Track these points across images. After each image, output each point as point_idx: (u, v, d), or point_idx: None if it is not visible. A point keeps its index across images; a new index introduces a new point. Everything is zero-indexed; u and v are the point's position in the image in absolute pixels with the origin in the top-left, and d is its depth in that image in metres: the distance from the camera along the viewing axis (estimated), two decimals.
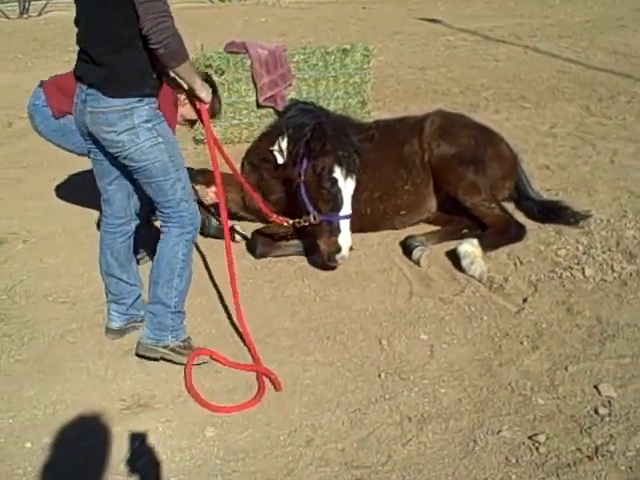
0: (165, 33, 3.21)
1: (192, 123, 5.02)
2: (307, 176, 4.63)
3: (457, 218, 5.17)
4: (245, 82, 7.05)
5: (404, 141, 5.28)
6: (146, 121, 3.44)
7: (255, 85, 7.04)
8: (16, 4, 16.03)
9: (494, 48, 12.20)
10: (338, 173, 4.51)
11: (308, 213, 4.62)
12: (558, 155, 6.82)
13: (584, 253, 4.86)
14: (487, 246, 4.80)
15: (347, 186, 4.54)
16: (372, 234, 5.23)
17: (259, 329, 4.13)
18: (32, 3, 16.38)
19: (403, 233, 5.19)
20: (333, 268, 4.76)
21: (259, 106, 7.08)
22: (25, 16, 15.74)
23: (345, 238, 4.50)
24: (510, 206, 5.45)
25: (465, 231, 5.06)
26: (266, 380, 3.67)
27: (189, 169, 5.12)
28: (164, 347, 3.78)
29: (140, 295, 4.08)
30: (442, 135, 5.18)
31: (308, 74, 7.16)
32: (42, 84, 4.85)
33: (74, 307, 4.43)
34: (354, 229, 4.93)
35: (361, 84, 7.37)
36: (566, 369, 3.70)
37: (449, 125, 5.30)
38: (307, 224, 4.65)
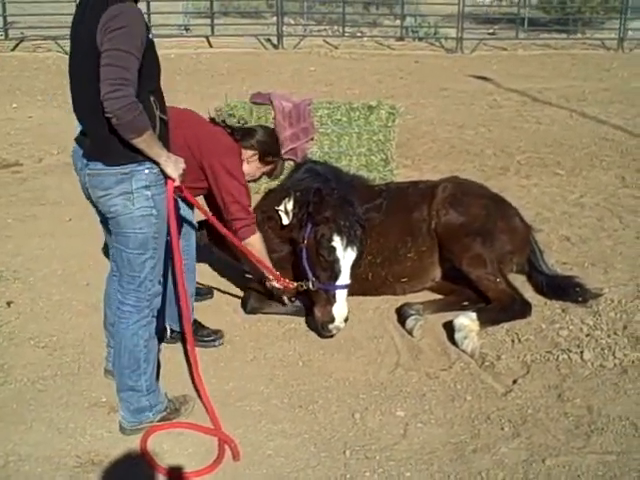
0: (119, 103, 3.06)
1: (255, 180, 4.94)
2: (309, 241, 4.54)
3: (460, 288, 4.99)
4: None
5: (413, 207, 5.13)
6: (145, 187, 3.34)
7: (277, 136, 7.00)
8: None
9: (539, 110, 12.01)
10: (337, 242, 4.41)
11: (307, 279, 4.53)
12: (582, 227, 6.59)
13: (587, 335, 4.62)
14: (486, 321, 4.61)
15: (346, 256, 4.43)
16: (370, 299, 5.08)
17: (232, 391, 4.01)
18: None
19: (402, 299, 5.03)
20: (329, 336, 4.62)
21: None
22: None
23: (340, 309, 4.39)
24: (520, 278, 5.26)
25: (466, 303, 4.87)
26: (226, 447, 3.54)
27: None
28: (149, 423, 3.68)
29: None
30: (452, 203, 5.02)
31: (331, 129, 7.11)
32: None
33: (53, 353, 4.38)
34: (354, 292, 4.82)
35: (385, 142, 7.27)
36: (544, 462, 3.47)
37: (461, 193, 5.14)
38: (305, 287, 4.56)
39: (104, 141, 3.26)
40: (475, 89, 13.75)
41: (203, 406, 3.76)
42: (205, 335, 4.52)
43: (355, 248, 4.46)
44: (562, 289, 5.04)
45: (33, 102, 11.68)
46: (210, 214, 4.25)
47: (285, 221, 4.80)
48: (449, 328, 4.62)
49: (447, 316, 4.78)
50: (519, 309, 4.75)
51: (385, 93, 12.60)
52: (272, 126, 6.98)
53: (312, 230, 4.53)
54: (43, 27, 17.14)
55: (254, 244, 4.45)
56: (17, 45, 17.07)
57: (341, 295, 4.41)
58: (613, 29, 20.40)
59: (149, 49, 3.27)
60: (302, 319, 4.84)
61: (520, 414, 3.85)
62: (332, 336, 4.56)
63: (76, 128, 3.50)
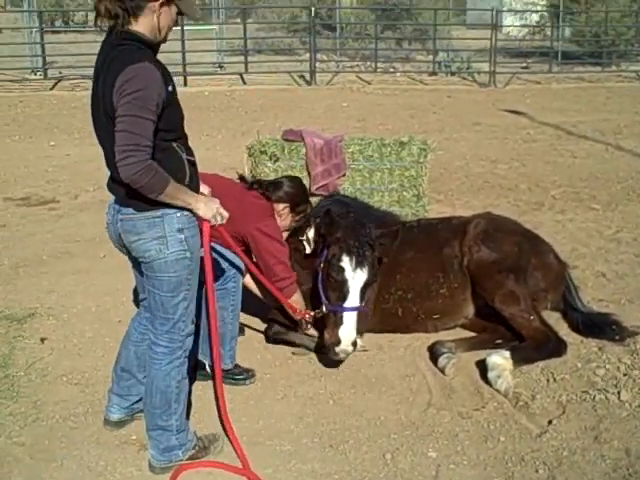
0: (131, 169, 3.08)
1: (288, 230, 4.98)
2: (324, 264, 4.55)
3: (493, 326, 4.92)
4: (299, 170, 7.06)
5: (445, 243, 5.10)
6: (179, 230, 3.35)
7: (309, 174, 7.05)
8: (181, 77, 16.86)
9: (574, 144, 11.93)
10: (346, 262, 4.39)
11: (322, 303, 4.55)
12: (619, 262, 6.48)
13: (625, 374, 4.51)
14: (520, 360, 4.52)
15: (355, 277, 4.39)
16: (401, 336, 5.03)
17: (262, 430, 3.99)
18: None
19: (434, 337, 4.98)
20: (338, 362, 4.58)
21: (311, 194, 7.05)
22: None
23: (347, 331, 4.31)
24: (555, 315, 5.18)
25: (499, 341, 4.79)
26: None
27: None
28: (178, 461, 3.67)
29: None
30: (484, 240, 4.97)
31: (363, 165, 7.12)
32: None
33: (85, 390, 4.40)
34: (386, 329, 4.79)
35: (417, 177, 7.25)
36: None
37: (493, 229, 5.10)
38: (320, 314, 4.56)
39: (132, 189, 3.25)
40: (508, 123, 13.71)
41: (231, 445, 3.73)
42: (237, 374, 4.51)
43: (365, 270, 4.42)
44: (598, 327, 4.95)
45: (70, 140, 11.91)
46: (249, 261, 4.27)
47: (308, 250, 4.84)
48: (482, 367, 4.55)
49: (480, 354, 4.70)
50: (554, 347, 4.66)
51: (418, 128, 12.63)
52: (304, 162, 7.05)
53: (326, 253, 4.54)
54: (80, 67, 17.52)
55: (297, 300, 4.55)
56: (56, 84, 17.47)
57: (349, 317, 4.35)
58: None
59: (170, 103, 3.27)
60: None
61: (555, 456, 3.77)
62: (341, 360, 4.51)
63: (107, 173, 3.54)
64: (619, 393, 4.29)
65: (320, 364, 4.73)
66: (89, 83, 14.69)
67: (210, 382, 4.45)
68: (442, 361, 4.58)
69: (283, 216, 4.69)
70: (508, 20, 26.98)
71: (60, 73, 18.21)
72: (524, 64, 21.18)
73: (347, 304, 4.36)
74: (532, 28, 25.25)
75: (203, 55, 19.43)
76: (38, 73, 18.41)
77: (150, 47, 3.29)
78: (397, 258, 4.97)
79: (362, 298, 4.43)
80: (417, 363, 4.75)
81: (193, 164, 3.45)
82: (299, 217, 4.81)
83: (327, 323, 4.46)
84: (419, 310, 4.98)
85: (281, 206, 4.65)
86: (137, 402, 3.97)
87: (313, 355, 4.83)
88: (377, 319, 4.95)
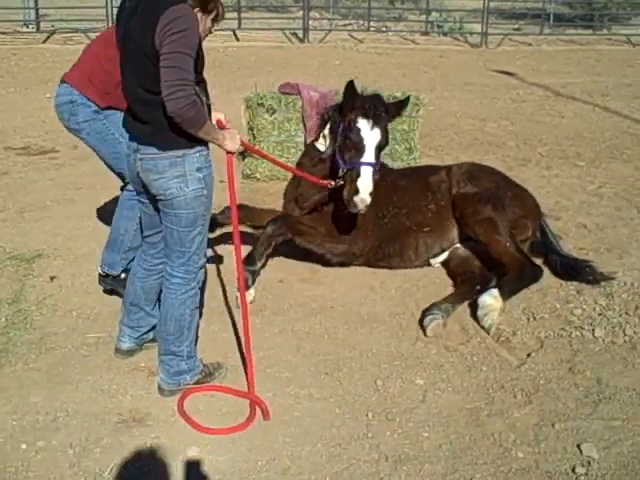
0: (181, 103, 3.29)
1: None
2: (341, 132, 4.83)
3: (468, 273, 5.22)
4: (295, 122, 7.30)
5: (433, 173, 5.66)
6: (197, 169, 3.59)
7: (304, 126, 7.27)
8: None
9: (562, 104, 12.15)
10: (363, 123, 4.67)
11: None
12: (600, 215, 6.79)
13: (599, 314, 4.84)
14: (506, 294, 4.79)
15: (371, 136, 4.68)
16: (393, 278, 5.33)
17: (262, 360, 4.28)
18: None
19: (423, 280, 5.29)
20: (356, 214, 4.84)
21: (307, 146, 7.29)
22: None
23: (364, 182, 4.60)
24: (537, 261, 5.47)
25: (478, 287, 5.07)
26: (257, 408, 3.81)
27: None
28: (185, 384, 3.96)
29: (155, 324, 4.21)
30: (468, 177, 5.49)
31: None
32: (65, 79, 4.78)
33: (95, 323, 4.67)
34: (382, 246, 5.34)
35: (409, 131, 7.49)
36: (553, 426, 3.72)
37: (476, 170, 5.64)
38: (341, 182, 4.81)
39: (158, 128, 3.50)
40: (499, 83, 13.90)
41: (243, 370, 4.05)
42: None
43: (379, 130, 4.72)
44: (574, 269, 5.27)
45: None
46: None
47: (322, 148, 5.15)
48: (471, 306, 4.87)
49: None
50: (531, 272, 4.95)
51: (409, 87, 12.73)
52: (300, 115, 7.27)
53: (343, 126, 4.82)
54: (73, 20, 17.49)
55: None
56: (48, 37, 17.43)
57: (366, 171, 4.63)
58: (639, 25, 20.41)
59: (199, 47, 3.51)
60: (330, 296, 5.10)
61: (533, 384, 4.10)
62: (359, 211, 4.69)
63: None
64: (594, 330, 4.62)
65: (315, 304, 5.02)
66: (82, 37, 14.84)
67: (214, 315, 4.75)
68: (426, 320, 4.70)
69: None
70: None
71: (52, 26, 18.17)
72: (516, 26, 21.27)
73: (364, 159, 4.65)
74: None
75: None
76: (30, 26, 18.33)
77: None
78: (394, 184, 5.44)
79: (377, 158, 4.72)
80: (407, 303, 5.05)
81: (209, 108, 3.68)
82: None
83: (345, 182, 4.73)
84: (412, 223, 5.37)
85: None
86: (146, 333, 4.25)
87: (310, 294, 5.12)
88: (376, 235, 5.31)
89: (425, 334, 4.63)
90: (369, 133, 4.67)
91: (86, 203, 6.84)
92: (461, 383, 4.12)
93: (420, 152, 7.93)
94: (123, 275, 4.85)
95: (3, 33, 17.63)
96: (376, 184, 4.75)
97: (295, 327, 4.70)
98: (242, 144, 3.95)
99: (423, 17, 20.88)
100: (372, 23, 19.96)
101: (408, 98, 5.10)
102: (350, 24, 20.64)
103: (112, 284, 4.95)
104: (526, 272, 4.90)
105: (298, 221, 5.20)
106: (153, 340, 4.26)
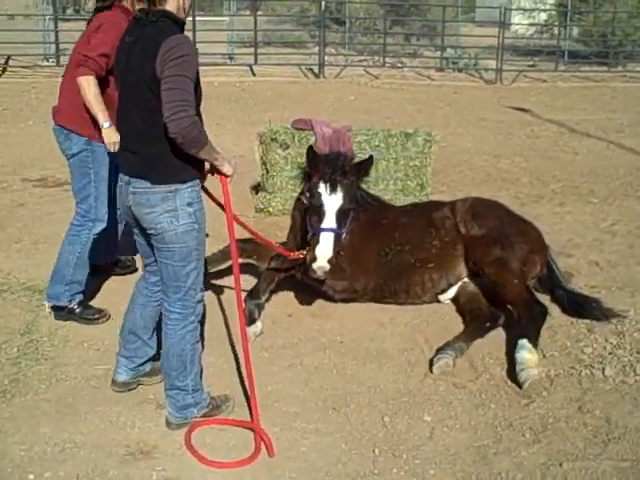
0: (184, 123, 3.38)
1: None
2: (307, 200, 4.91)
3: (477, 310, 5.22)
4: None
5: (435, 209, 5.65)
6: (189, 204, 3.66)
7: None
8: None
9: (577, 141, 12.19)
10: (322, 188, 4.72)
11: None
12: (612, 253, 6.77)
13: (610, 353, 4.82)
14: (535, 341, 4.62)
15: (331, 201, 4.71)
16: (402, 314, 5.34)
17: (270, 394, 4.29)
18: None
19: (433, 316, 5.30)
20: (319, 283, 5.04)
21: None
22: None
23: (322, 249, 4.62)
24: (544, 299, 5.45)
25: (488, 324, 5.08)
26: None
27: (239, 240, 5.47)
28: (193, 418, 3.97)
29: (152, 356, 4.27)
30: (473, 216, 5.44)
31: (370, 154, 7.39)
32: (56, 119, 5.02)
33: (105, 354, 4.69)
34: (387, 284, 5.34)
35: (421, 167, 7.55)
36: (561, 465, 3.70)
37: (478, 205, 5.62)
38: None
39: (151, 161, 3.59)
40: (513, 120, 13.97)
41: (247, 403, 4.05)
42: (90, 314, 5.11)
43: (339, 194, 4.72)
44: (582, 306, 5.24)
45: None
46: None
47: (307, 202, 5.14)
48: (479, 344, 4.87)
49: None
50: (539, 311, 4.89)
51: (423, 123, 12.85)
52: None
53: (308, 188, 4.90)
54: None
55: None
56: None
57: (325, 237, 4.64)
58: None
59: (198, 78, 3.63)
60: (339, 331, 5.11)
61: (541, 422, 4.07)
62: (319, 280, 4.85)
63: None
64: (604, 369, 4.59)
65: (324, 339, 5.03)
66: None
67: (220, 349, 4.77)
68: (435, 359, 4.67)
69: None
70: (516, 18, 27.15)
71: None
72: (531, 62, 21.43)
73: (324, 225, 4.67)
74: (540, 27, 25.47)
75: (213, 46, 19.70)
76: (50, 60, 18.67)
77: (178, 25, 3.63)
78: (395, 221, 5.50)
79: (339, 222, 4.72)
80: (416, 339, 5.05)
81: None
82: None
83: (309, 247, 4.76)
84: (416, 260, 5.36)
85: None
86: (143, 364, 4.27)
87: (320, 328, 5.14)
88: (379, 273, 5.32)
89: (431, 371, 4.61)
90: (328, 198, 4.71)
91: None
92: (469, 421, 4.10)
93: (433, 188, 7.99)
94: (78, 309, 5.10)
95: (24, 67, 17.99)
96: (377, 221, 4.78)
97: (304, 361, 4.71)
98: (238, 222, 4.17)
99: (438, 53, 21.08)
100: (387, 59, 20.18)
101: (371, 157, 5.07)
102: (365, 60, 20.88)
103: (68, 316, 5.11)
104: (535, 311, 4.87)
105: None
106: (150, 374, 4.30)
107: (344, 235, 4.84)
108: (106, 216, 5.14)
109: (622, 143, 12.04)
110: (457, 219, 5.44)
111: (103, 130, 4.77)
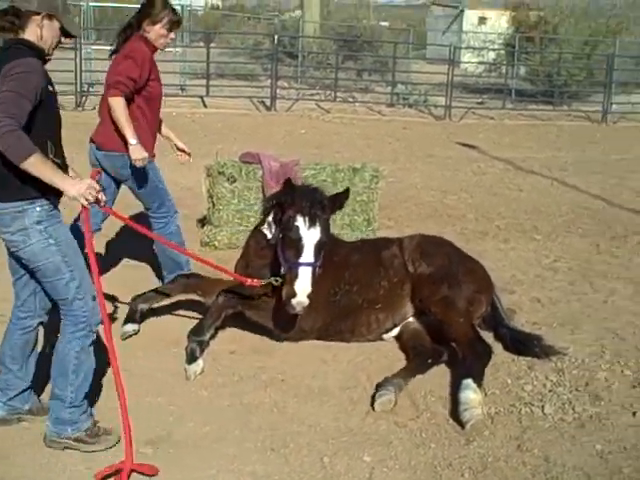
0: None
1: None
2: (282, 229, 4.86)
3: (420, 347, 5.21)
4: (255, 191, 7.34)
5: (384, 247, 5.63)
6: (37, 222, 3.70)
7: (264, 195, 7.30)
8: (73, 97, 17.00)
9: (522, 178, 12.42)
10: (300, 221, 4.69)
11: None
12: (553, 289, 6.86)
13: (550, 390, 4.84)
14: (479, 381, 4.59)
15: (309, 235, 4.68)
16: (345, 351, 5.30)
17: (208, 434, 4.20)
18: (89, 97, 17.34)
19: (375, 353, 5.27)
20: (294, 316, 4.93)
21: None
22: (80, 109, 16.66)
23: (302, 284, 4.59)
24: (487, 336, 5.47)
25: (430, 361, 5.09)
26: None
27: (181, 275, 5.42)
28: (66, 438, 3.93)
29: (25, 390, 4.16)
30: (421, 254, 5.45)
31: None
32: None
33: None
34: (334, 324, 5.30)
35: (368, 202, 7.59)
36: None
37: (425, 242, 5.64)
38: (280, 280, 4.87)
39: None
40: (461, 156, 14.19)
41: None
42: None
43: (318, 228, 4.71)
44: (523, 343, 5.28)
45: None
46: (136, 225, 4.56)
47: (269, 235, 5.17)
48: (420, 382, 4.85)
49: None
50: (483, 350, 4.86)
51: (373, 157, 12.92)
52: (260, 184, 7.32)
53: (283, 221, 4.86)
54: None
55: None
56: None
57: (304, 271, 4.63)
58: (598, 102, 21.12)
59: (48, 101, 3.68)
60: (281, 368, 5.05)
61: (481, 462, 4.06)
62: (297, 314, 4.78)
63: None
64: (543, 407, 4.61)
65: (266, 376, 4.95)
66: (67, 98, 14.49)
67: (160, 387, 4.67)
68: (377, 396, 4.63)
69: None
70: (466, 57, 27.74)
71: None
72: (479, 100, 21.87)
73: (302, 259, 4.64)
74: (489, 65, 26.05)
75: (165, 77, 19.53)
76: None
77: (39, 54, 3.71)
78: (346, 260, 5.45)
79: (316, 255, 4.71)
80: (358, 376, 5.01)
81: (59, 166, 3.75)
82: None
83: (286, 281, 4.74)
84: (364, 300, 5.34)
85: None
86: (17, 398, 4.14)
87: (262, 365, 5.07)
88: (328, 312, 5.27)
89: (373, 408, 4.58)
90: (307, 232, 4.68)
91: None
92: (409, 460, 4.06)
93: (380, 223, 8.03)
94: None
95: None
96: (328, 259, 4.78)
97: (244, 400, 4.63)
98: (105, 209, 4.08)
99: (389, 89, 21.37)
100: (339, 93, 20.39)
101: (348, 190, 5.08)
102: (317, 94, 21.05)
103: None
104: (480, 351, 4.85)
105: (250, 294, 5.17)
106: (33, 413, 4.19)
107: (318, 269, 4.80)
108: None
109: (565, 181, 12.30)
110: (405, 257, 5.46)
111: (130, 147, 5.33)
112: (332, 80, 20.89)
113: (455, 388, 4.68)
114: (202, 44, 23.22)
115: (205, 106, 18.36)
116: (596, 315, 6.23)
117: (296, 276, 4.62)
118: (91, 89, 18.36)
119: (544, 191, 11.51)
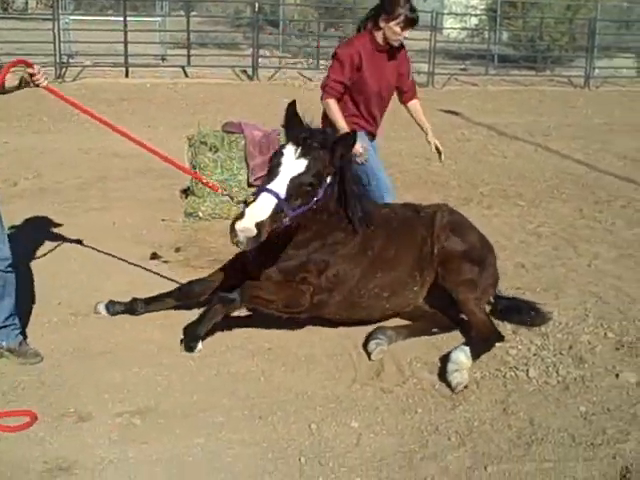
0: None
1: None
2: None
3: (430, 314, 5.20)
4: (238, 161, 7.31)
5: (416, 220, 5.19)
6: None
7: (247, 165, 7.28)
8: (52, 69, 16.77)
9: (505, 144, 12.43)
10: (288, 149, 4.28)
11: None
12: (537, 255, 6.91)
13: (534, 354, 4.90)
14: (476, 356, 4.68)
15: (291, 165, 4.22)
16: (330, 321, 5.30)
17: (195, 404, 4.22)
18: (68, 69, 17.14)
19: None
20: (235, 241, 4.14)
21: (249, 185, 7.30)
22: (60, 80, 16.45)
23: (255, 208, 4.09)
24: None
25: (435, 330, 5.11)
26: None
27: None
28: None
29: None
30: (453, 230, 5.13)
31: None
32: None
33: (23, 367, 4.52)
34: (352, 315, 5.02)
35: None
36: (485, 469, 3.73)
37: (458, 222, 5.31)
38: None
39: None
40: (444, 123, 14.11)
41: None
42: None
43: (304, 163, 4.22)
44: (513, 311, 5.30)
45: (10, 128, 11.86)
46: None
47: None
48: (407, 348, 4.88)
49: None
50: (495, 339, 4.93)
51: None
52: (243, 154, 7.28)
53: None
54: (19, 54, 17.31)
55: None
56: None
57: (263, 198, 4.13)
58: (580, 67, 21.11)
59: None
60: (268, 337, 5.06)
61: (467, 426, 4.10)
62: (240, 244, 4.11)
63: None
64: (528, 371, 4.67)
65: (253, 345, 4.97)
66: (47, 69, 14.44)
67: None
68: (371, 345, 4.80)
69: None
70: (448, 22, 27.58)
71: None
72: (462, 66, 21.78)
73: (270, 185, 4.18)
74: (471, 31, 25.91)
75: (146, 47, 19.40)
76: None
77: None
78: (381, 256, 4.97)
79: (291, 193, 4.21)
80: (344, 344, 5.03)
81: None
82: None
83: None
84: (387, 304, 5.06)
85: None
86: None
87: (250, 335, 5.07)
88: (347, 306, 4.97)
89: (370, 358, 4.67)
90: (288, 161, 4.23)
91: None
92: (396, 425, 4.10)
93: None
94: None
95: None
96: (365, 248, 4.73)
97: (231, 369, 4.64)
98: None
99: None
100: (321, 61, 20.19)
101: (355, 133, 4.61)
102: (300, 62, 20.86)
103: None
104: (492, 338, 4.89)
105: (254, 287, 4.74)
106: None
107: (289, 216, 4.23)
108: None
109: (549, 146, 12.34)
110: (435, 232, 5.07)
111: None
112: (314, 48, 20.69)
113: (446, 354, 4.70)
114: (182, 13, 22.91)
115: (187, 76, 18.17)
116: (580, 279, 6.28)
117: (254, 202, 4.15)
118: (71, 60, 18.14)
119: (528, 157, 11.54)
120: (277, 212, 4.15)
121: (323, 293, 4.81)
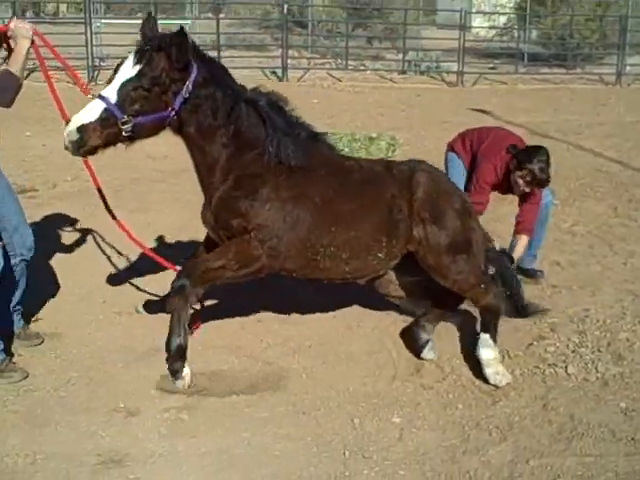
0: None
1: None
2: None
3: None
4: None
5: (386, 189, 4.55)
6: None
7: None
8: (85, 72, 17.03)
9: (537, 143, 12.34)
10: (128, 58, 4.04)
11: None
12: (573, 253, 6.93)
13: (573, 351, 4.93)
14: (495, 340, 4.63)
15: (125, 72, 4.00)
16: (369, 318, 5.39)
17: (241, 400, 4.32)
18: (101, 72, 17.41)
19: (400, 318, 5.35)
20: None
21: None
22: (93, 83, 16.70)
23: (79, 114, 3.96)
24: None
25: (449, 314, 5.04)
26: None
27: None
28: None
29: None
30: (431, 215, 4.48)
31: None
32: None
33: (73, 364, 4.67)
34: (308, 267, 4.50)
35: None
36: (527, 462, 3.79)
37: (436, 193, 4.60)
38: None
39: None
40: (474, 122, 14.01)
41: None
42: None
43: (139, 66, 3.99)
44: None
45: (44, 131, 12.07)
46: None
47: None
48: (444, 347, 4.96)
49: (442, 334, 5.09)
50: (499, 308, 4.74)
51: (386, 125, 12.99)
52: None
53: None
54: (51, 58, 17.58)
55: None
56: (28, 75, 17.52)
57: (91, 104, 3.98)
58: (611, 64, 20.95)
59: None
60: (307, 335, 5.15)
61: (507, 421, 4.16)
62: (66, 147, 4.05)
63: None
64: (567, 367, 4.71)
65: (293, 343, 5.06)
66: (62, 75, 14.77)
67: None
68: (427, 353, 4.84)
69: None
70: (477, 21, 27.57)
71: (33, 64, 18.24)
72: (491, 65, 21.72)
73: (101, 92, 4.01)
74: (500, 30, 25.82)
75: None
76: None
77: None
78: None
79: (124, 100, 3.97)
80: (384, 341, 5.11)
81: None
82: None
83: None
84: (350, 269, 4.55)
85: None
86: None
87: (288, 334, 5.16)
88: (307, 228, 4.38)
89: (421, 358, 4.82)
90: (126, 69, 4.00)
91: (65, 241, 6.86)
92: (437, 421, 4.18)
93: None
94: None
95: None
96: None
97: (273, 366, 4.74)
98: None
99: (400, 56, 21.24)
100: (350, 62, 20.29)
101: (182, 29, 4.19)
102: (328, 63, 20.95)
103: None
104: (499, 311, 4.78)
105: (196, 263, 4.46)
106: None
107: (130, 123, 3.99)
108: None
109: (581, 144, 12.28)
110: (412, 222, 4.49)
111: None
112: (343, 49, 20.77)
113: (474, 347, 4.70)
114: (211, 15, 23.10)
115: None
116: (616, 277, 6.30)
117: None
118: (102, 63, 18.39)
119: (560, 155, 11.40)
120: (107, 117, 3.96)
121: (272, 239, 4.30)
